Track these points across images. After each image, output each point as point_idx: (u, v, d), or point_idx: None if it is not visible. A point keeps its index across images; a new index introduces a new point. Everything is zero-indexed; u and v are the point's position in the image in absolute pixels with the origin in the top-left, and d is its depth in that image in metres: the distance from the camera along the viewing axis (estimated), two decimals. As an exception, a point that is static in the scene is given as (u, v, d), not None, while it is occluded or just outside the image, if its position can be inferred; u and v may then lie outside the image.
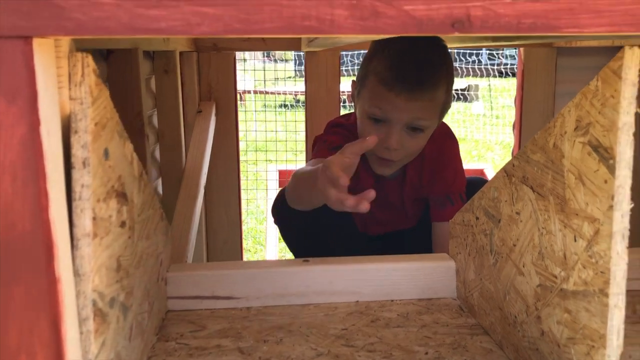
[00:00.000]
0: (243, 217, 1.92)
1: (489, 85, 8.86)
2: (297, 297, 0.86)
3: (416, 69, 1.07)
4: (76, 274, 0.45)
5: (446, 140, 1.26)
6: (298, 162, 3.96)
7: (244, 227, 3.67)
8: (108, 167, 0.50)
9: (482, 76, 9.45)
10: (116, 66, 1.07)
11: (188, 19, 0.38)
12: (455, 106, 8.25)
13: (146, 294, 0.68)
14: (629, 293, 0.87)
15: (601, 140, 0.50)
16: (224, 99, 1.80)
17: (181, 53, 1.62)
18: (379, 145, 1.12)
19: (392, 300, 0.87)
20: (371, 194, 0.73)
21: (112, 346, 0.52)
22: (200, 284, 0.84)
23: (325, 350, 0.72)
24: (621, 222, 0.48)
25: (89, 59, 0.44)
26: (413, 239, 1.31)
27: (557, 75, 1.90)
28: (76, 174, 0.44)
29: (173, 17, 0.37)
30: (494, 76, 9.49)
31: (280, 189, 1.41)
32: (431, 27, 0.39)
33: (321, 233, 1.23)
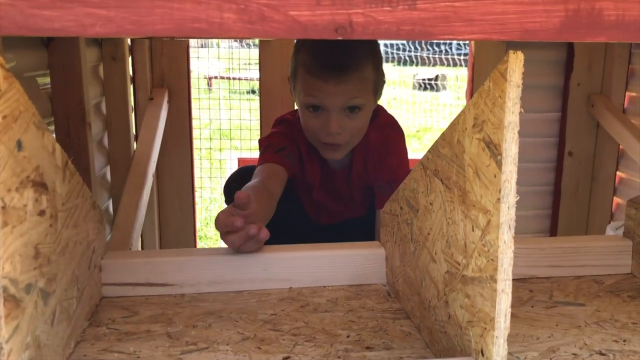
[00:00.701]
0: (206, 204, 1.93)
1: (456, 75, 8.97)
2: (231, 284, 0.89)
3: (338, 53, 1.12)
4: (-15, 261, 0.47)
5: (391, 131, 1.30)
6: (255, 148, 3.95)
7: (207, 215, 3.67)
8: (22, 158, 0.52)
9: (449, 66, 9.56)
10: (57, 54, 1.07)
11: (81, 20, 0.39)
12: (423, 96, 8.33)
13: (74, 280, 0.70)
14: (550, 280, 0.93)
15: (492, 137, 0.53)
16: (177, 86, 1.80)
17: (132, 39, 1.62)
18: (322, 131, 1.17)
19: (324, 287, 0.91)
20: (263, 234, 0.83)
21: (28, 330, 0.54)
22: (135, 271, 0.86)
23: (252, 335, 0.74)
24: (507, 213, 0.52)
25: (-4, 54, 0.46)
26: (364, 227, 1.35)
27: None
28: (-16, 165, 0.46)
29: (66, 18, 0.39)
30: (461, 66, 9.60)
31: (233, 171, 1.44)
32: (315, 31, 0.41)
33: (272, 221, 1.26)
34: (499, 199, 0.52)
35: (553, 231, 2.03)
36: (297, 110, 1.33)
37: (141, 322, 0.78)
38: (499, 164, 0.52)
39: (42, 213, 0.57)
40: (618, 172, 1.98)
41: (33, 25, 0.39)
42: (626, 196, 1.91)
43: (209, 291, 0.88)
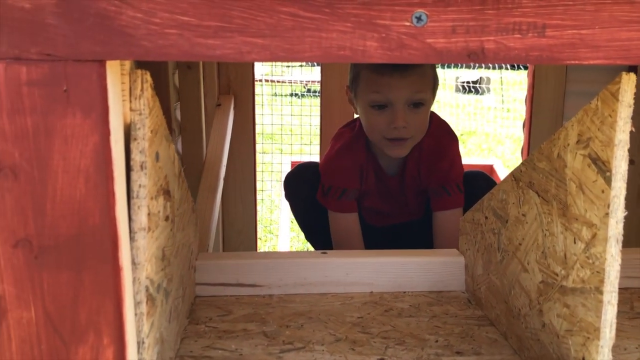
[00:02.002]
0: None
1: (501, 78, 8.85)
2: (315, 287, 0.93)
3: None
4: (133, 263, 0.51)
5: (444, 136, 1.34)
6: (305, 153, 4.02)
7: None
8: (158, 168, 0.57)
9: (494, 68, 9.44)
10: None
11: (240, 48, 0.43)
12: (466, 99, 8.25)
13: (181, 281, 0.75)
14: (628, 290, 0.94)
15: (599, 154, 0.55)
16: (242, 93, 1.86)
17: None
18: (387, 128, 1.23)
19: (404, 292, 0.93)
20: None
21: (157, 327, 0.59)
22: (226, 272, 0.91)
23: (343, 336, 0.78)
24: (616, 227, 0.54)
25: (147, 75, 0.50)
26: (420, 230, 1.38)
27: (567, 75, 1.94)
28: (134, 176, 0.51)
29: (227, 46, 0.43)
30: (506, 69, 9.47)
31: (292, 169, 1.49)
32: (450, 57, 0.44)
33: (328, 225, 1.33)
34: (607, 214, 0.54)
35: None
36: (355, 121, 1.37)
37: (236, 321, 0.82)
38: (608, 181, 0.54)
39: (167, 218, 0.62)
40: (683, 182, 1.94)
41: (198, 52, 0.43)
42: (692, 206, 1.87)
43: (294, 292, 0.92)
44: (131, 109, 0.50)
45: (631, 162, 1.85)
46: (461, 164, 1.34)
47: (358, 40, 0.44)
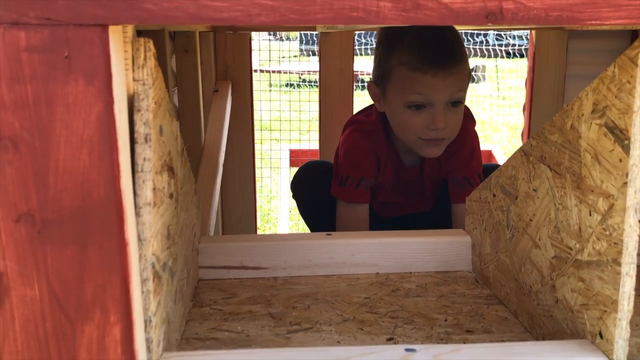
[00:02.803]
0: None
1: (496, 66, 8.82)
2: (320, 268, 0.91)
3: (441, 46, 1.11)
4: (138, 239, 0.50)
5: (465, 120, 1.29)
6: (304, 140, 3.99)
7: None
8: (162, 143, 0.55)
9: (489, 57, 9.41)
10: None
11: (248, 10, 0.42)
12: (461, 87, 8.23)
13: (185, 262, 0.73)
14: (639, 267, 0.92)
15: (617, 122, 0.54)
16: (239, 79, 1.84)
17: (199, 33, 1.66)
18: (425, 128, 1.16)
19: (410, 273, 0.92)
20: None
21: (164, 306, 0.57)
22: (230, 255, 0.89)
23: (351, 316, 0.77)
24: (634, 197, 0.53)
25: (150, 44, 0.48)
26: (430, 220, 1.35)
27: (567, 58, 1.92)
28: (139, 149, 0.49)
29: (235, 8, 0.42)
30: (502, 57, 9.43)
31: (300, 168, 1.46)
32: (467, 18, 0.43)
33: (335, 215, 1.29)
34: (625, 183, 0.53)
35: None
36: (369, 110, 1.32)
37: (242, 303, 0.81)
38: (626, 149, 0.52)
39: (171, 196, 0.60)
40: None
41: (205, 15, 0.41)
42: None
43: (299, 275, 0.90)
44: (134, 79, 0.48)
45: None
46: (480, 148, 1.30)
47: (371, 0, 0.42)
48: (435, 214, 1.34)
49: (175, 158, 0.63)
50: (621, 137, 0.53)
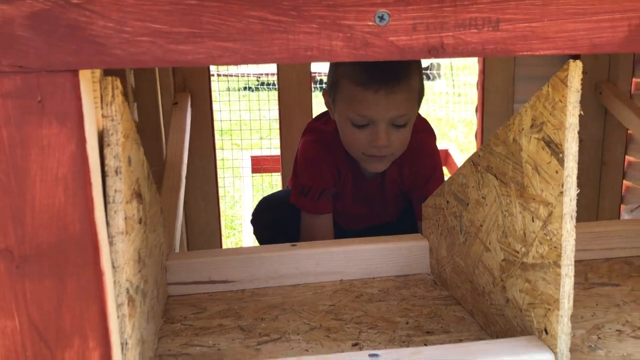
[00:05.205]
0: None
1: (450, 63, 9.00)
2: (287, 279, 0.94)
3: (386, 64, 1.09)
4: (112, 266, 0.52)
5: (424, 136, 1.29)
6: (265, 147, 4.02)
7: (217, 213, 3.72)
8: (131, 172, 0.57)
9: (443, 54, 9.56)
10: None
11: (211, 52, 0.45)
12: (417, 85, 8.37)
13: (155, 281, 0.75)
14: (582, 262, 0.99)
15: (552, 137, 0.59)
16: (198, 89, 1.85)
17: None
18: (368, 145, 1.15)
19: (373, 278, 0.96)
20: None
21: (138, 328, 0.60)
22: (197, 270, 0.92)
23: (318, 324, 0.80)
24: (570, 205, 0.58)
25: (117, 82, 0.51)
26: (396, 232, 1.35)
27: (516, 59, 2.00)
28: (110, 181, 0.51)
29: (198, 51, 0.45)
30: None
31: (259, 203, 1.47)
32: (412, 53, 0.47)
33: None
34: (561, 193, 0.58)
35: (565, 216, 2.09)
36: (328, 117, 1.33)
37: (211, 317, 0.84)
38: (561, 161, 0.58)
39: (140, 221, 0.63)
40: (627, 156, 2.05)
41: (170, 58, 0.44)
42: (635, 179, 1.97)
43: (267, 286, 0.94)
44: (103, 115, 0.51)
45: (579, 140, 1.91)
46: (441, 164, 1.31)
47: (324, 40, 0.46)
48: (403, 226, 1.34)
49: (143, 184, 0.65)
50: (556, 150, 0.59)
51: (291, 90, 1.93)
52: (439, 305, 0.86)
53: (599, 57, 2.01)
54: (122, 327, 0.53)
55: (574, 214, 0.58)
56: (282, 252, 0.95)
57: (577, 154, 0.57)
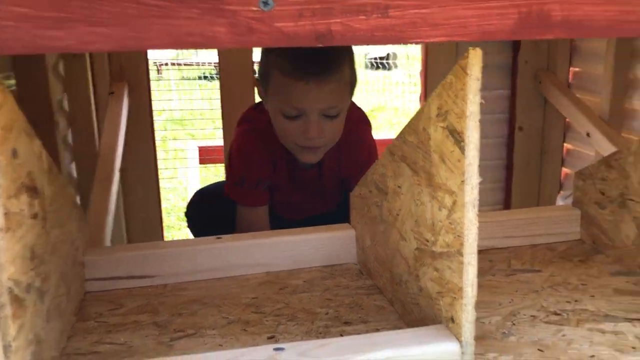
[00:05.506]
0: (165, 194, 1.96)
1: (407, 53, 9.06)
2: (212, 272, 0.93)
3: (317, 54, 1.08)
4: (-8, 265, 0.49)
5: (361, 125, 1.29)
6: (219, 137, 3.96)
7: (166, 205, 3.67)
8: (17, 165, 0.54)
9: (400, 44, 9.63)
10: (22, 58, 1.07)
11: (83, 38, 0.42)
12: (375, 75, 8.39)
13: (63, 278, 0.72)
14: (507, 249, 1.00)
15: (455, 126, 0.59)
16: (136, 79, 1.80)
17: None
18: (300, 136, 1.14)
19: (300, 269, 0.95)
20: None
21: (30, 328, 0.57)
22: (117, 266, 0.89)
23: (236, 318, 0.79)
24: (471, 193, 0.58)
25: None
26: (336, 221, 1.36)
27: (458, 49, 2.02)
28: (-14, 175, 0.49)
29: (70, 37, 0.42)
30: (411, 43, 9.68)
31: (194, 195, 1.44)
32: (298, 40, 0.45)
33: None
34: (463, 181, 0.58)
35: (507, 202, 2.14)
36: (262, 103, 1.32)
37: (128, 313, 0.81)
38: (463, 150, 0.58)
39: (35, 216, 0.60)
40: (565, 144, 2.09)
41: (39, 44, 0.42)
42: (573, 167, 2.02)
43: (190, 280, 0.91)
44: (-24, 105, 0.48)
45: (520, 128, 1.96)
46: (377, 153, 1.31)
47: (207, 26, 0.44)
48: (344, 216, 1.35)
49: (40, 177, 0.62)
50: (458, 139, 0.58)
51: (232, 79, 1.90)
52: (362, 295, 0.86)
53: (539, 46, 2.04)
54: (5, 328, 0.51)
55: (476, 203, 0.58)
56: (206, 245, 0.93)
57: (478, 142, 0.57)
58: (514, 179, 2.11)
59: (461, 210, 0.59)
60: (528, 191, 2.15)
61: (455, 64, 1.89)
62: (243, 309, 0.81)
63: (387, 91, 7.59)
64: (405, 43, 0.46)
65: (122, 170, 1.81)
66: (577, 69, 2.02)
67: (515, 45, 2.05)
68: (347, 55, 1.15)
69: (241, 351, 0.59)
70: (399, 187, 0.75)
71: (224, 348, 0.71)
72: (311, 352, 0.58)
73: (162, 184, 3.67)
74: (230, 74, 1.88)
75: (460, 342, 0.60)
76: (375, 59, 8.99)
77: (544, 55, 2.05)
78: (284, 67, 1.10)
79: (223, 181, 1.38)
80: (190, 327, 0.77)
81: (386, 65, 8.93)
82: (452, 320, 0.62)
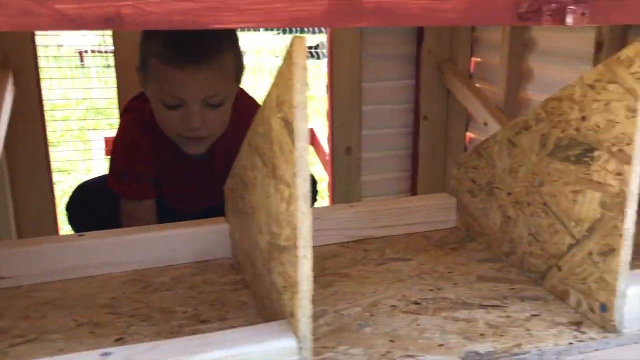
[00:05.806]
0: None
1: (335, 43, 9.03)
2: (73, 272, 0.88)
3: (196, 38, 1.06)
4: None
5: (251, 113, 1.27)
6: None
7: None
8: None
9: (328, 34, 9.62)
10: None
11: None
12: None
13: None
14: (382, 238, 1.00)
15: (288, 116, 0.57)
16: (22, 67, 1.69)
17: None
18: (182, 126, 1.10)
19: (170, 266, 0.92)
20: None
21: None
22: (-35, 267, 0.83)
23: (87, 320, 0.75)
24: (303, 186, 0.56)
25: None
26: None
27: (362, 38, 2.02)
28: None
29: None
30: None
31: (74, 190, 1.37)
32: (84, 23, 0.42)
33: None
34: (294, 173, 0.56)
35: (413, 191, 2.17)
36: (144, 94, 1.27)
37: (-30, 319, 0.75)
38: (293, 141, 0.56)
39: None
40: (468, 133, 2.15)
41: None
42: (474, 155, 2.07)
43: (49, 280, 0.86)
44: None
45: (425, 118, 1.97)
46: None
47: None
48: None
49: None
50: (291, 130, 0.57)
51: (129, 68, 1.82)
52: (227, 291, 0.83)
53: (441, 37, 2.07)
54: None
55: (308, 195, 0.57)
56: (66, 243, 0.88)
57: (307, 133, 0.56)
58: (420, 167, 2.14)
59: (295, 202, 0.57)
60: (434, 179, 2.19)
61: (358, 54, 1.88)
62: (97, 310, 0.77)
63: (318, 80, 7.57)
64: (207, 27, 0.44)
65: (10, 163, 1.72)
66: (478, 59, 2.06)
67: (420, 36, 2.07)
68: (228, 40, 1.12)
69: (65, 357, 0.56)
70: (255, 178, 0.73)
71: (64, 353, 0.67)
72: (137, 356, 0.55)
73: (76, 176, 3.50)
74: (125, 61, 1.80)
75: (297, 337, 0.59)
76: (308, 48, 8.93)
77: (447, 45, 2.09)
78: (160, 53, 1.07)
79: (107, 174, 1.32)
80: (33, 332, 0.72)
81: (316, 54, 8.91)
82: (292, 315, 0.60)
